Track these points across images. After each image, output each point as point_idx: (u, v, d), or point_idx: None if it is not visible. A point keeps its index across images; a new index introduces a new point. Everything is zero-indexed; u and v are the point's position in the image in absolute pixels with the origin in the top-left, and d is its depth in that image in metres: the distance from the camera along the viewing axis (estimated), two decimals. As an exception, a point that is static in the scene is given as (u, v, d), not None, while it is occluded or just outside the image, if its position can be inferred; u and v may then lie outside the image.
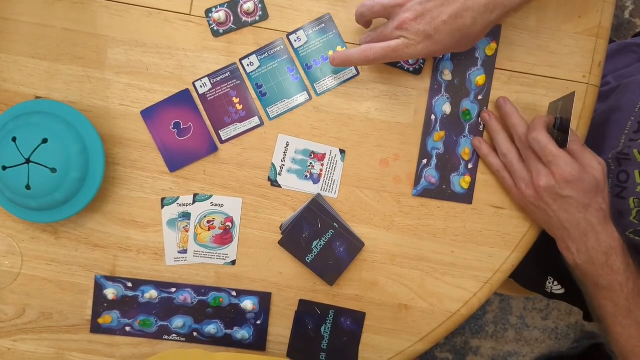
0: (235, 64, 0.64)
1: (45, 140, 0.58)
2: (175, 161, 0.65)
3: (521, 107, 0.64)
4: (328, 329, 0.66)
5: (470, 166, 0.65)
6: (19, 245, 0.66)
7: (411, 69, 0.65)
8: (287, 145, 0.65)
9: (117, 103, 0.64)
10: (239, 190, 0.65)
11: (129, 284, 0.66)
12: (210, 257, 0.66)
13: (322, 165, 0.65)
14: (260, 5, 0.64)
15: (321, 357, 0.67)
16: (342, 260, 0.64)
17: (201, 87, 0.64)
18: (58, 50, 0.64)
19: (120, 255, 0.66)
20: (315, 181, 0.65)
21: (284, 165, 0.65)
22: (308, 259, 0.64)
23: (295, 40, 0.64)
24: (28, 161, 0.57)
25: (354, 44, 0.65)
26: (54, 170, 0.58)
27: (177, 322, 0.66)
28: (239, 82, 0.65)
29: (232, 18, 0.64)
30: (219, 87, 0.64)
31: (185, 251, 0.65)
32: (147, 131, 0.64)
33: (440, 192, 0.65)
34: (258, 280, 0.66)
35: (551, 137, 0.58)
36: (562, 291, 0.81)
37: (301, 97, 0.65)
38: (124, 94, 0.64)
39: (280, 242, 0.64)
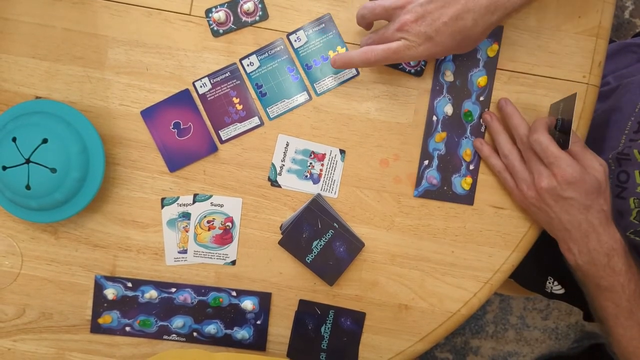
0: (235, 64, 0.64)
1: (45, 140, 0.58)
2: (175, 161, 0.65)
3: (521, 107, 0.64)
4: (328, 329, 0.66)
5: (471, 167, 0.65)
6: (19, 245, 0.66)
7: (412, 70, 0.65)
8: (287, 145, 0.65)
9: (117, 103, 0.64)
10: (239, 190, 0.65)
11: (129, 284, 0.66)
12: (210, 257, 0.66)
13: (322, 165, 0.65)
14: (260, 5, 0.64)
15: (321, 357, 0.67)
16: (342, 260, 0.64)
17: (201, 87, 0.64)
18: (58, 50, 0.64)
19: (120, 255, 0.66)
20: (315, 181, 0.65)
21: (283, 165, 0.65)
22: (308, 259, 0.64)
23: (295, 40, 0.64)
24: (28, 161, 0.57)
25: (354, 44, 0.65)
26: (54, 170, 0.58)
27: (177, 322, 0.66)
28: (239, 82, 0.65)
29: (232, 18, 0.64)
30: (219, 87, 0.64)
31: (185, 251, 0.65)
32: (147, 131, 0.64)
33: (442, 193, 0.65)
34: (258, 280, 0.66)
35: (552, 139, 0.58)
36: (562, 291, 0.81)
37: (301, 97, 0.65)
38: (124, 94, 0.64)
39: (280, 242, 0.64)
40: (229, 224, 0.65)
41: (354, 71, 0.65)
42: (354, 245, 0.64)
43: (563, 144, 0.58)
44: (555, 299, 0.83)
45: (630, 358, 0.61)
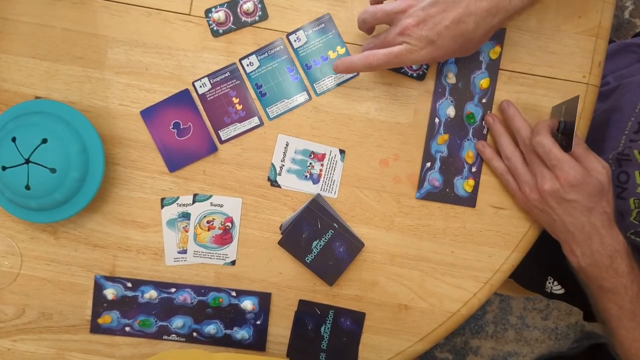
0: (234, 64, 0.64)
1: (44, 140, 0.58)
2: (175, 161, 0.65)
3: (521, 107, 0.64)
4: (328, 329, 0.66)
5: (473, 169, 0.65)
6: (19, 246, 0.66)
7: (415, 74, 0.65)
8: (287, 145, 0.65)
9: (116, 103, 0.64)
10: (239, 190, 0.65)
11: (129, 284, 0.66)
12: (210, 257, 0.65)
13: (322, 165, 0.65)
14: (259, 5, 0.64)
15: (321, 357, 0.67)
16: (342, 261, 0.64)
17: (201, 87, 0.64)
18: (58, 50, 0.64)
19: (119, 255, 0.66)
20: (315, 181, 0.65)
21: (283, 165, 0.65)
22: (308, 259, 0.64)
23: (295, 40, 0.64)
24: (28, 161, 0.57)
25: (353, 44, 0.65)
26: (53, 170, 0.58)
27: (177, 322, 0.66)
28: (238, 82, 0.65)
29: (231, 18, 0.64)
30: (219, 87, 0.64)
31: (185, 251, 0.65)
32: (147, 131, 0.64)
33: (444, 195, 0.65)
34: (258, 280, 0.66)
35: (555, 141, 0.58)
36: (562, 291, 0.81)
37: (301, 97, 0.65)
38: (123, 94, 0.64)
39: (280, 242, 0.64)
40: (229, 224, 0.65)
41: (353, 71, 0.65)
42: (354, 246, 0.64)
43: (566, 146, 0.58)
44: (555, 299, 0.83)
45: (633, 359, 0.61)
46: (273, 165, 0.65)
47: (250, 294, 0.66)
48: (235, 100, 0.65)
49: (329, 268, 0.64)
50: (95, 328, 0.66)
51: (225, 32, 0.64)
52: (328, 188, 0.65)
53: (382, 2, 0.60)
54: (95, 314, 0.66)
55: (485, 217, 0.65)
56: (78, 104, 0.64)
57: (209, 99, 0.65)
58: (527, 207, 0.63)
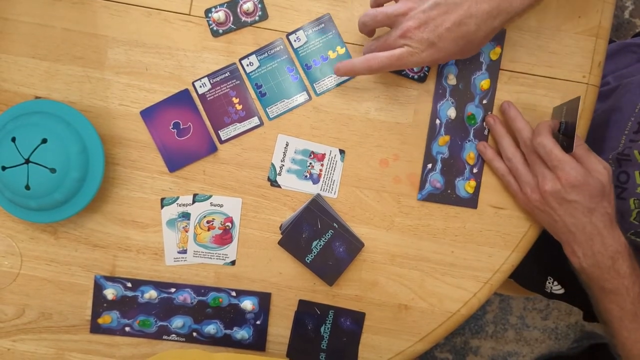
0: (234, 64, 0.64)
1: (44, 140, 0.58)
2: (175, 161, 0.65)
3: (521, 107, 0.64)
4: (328, 329, 0.66)
5: (475, 170, 0.65)
6: (19, 246, 0.66)
7: (416, 76, 0.65)
8: (287, 145, 0.65)
9: (116, 103, 0.64)
10: (239, 190, 0.65)
11: (129, 284, 0.66)
12: (210, 257, 0.65)
13: (322, 165, 0.65)
14: (259, 5, 0.64)
15: (321, 357, 0.67)
16: (342, 261, 0.64)
17: (201, 87, 0.64)
18: (58, 50, 0.64)
19: (119, 255, 0.66)
20: (315, 181, 0.65)
21: (283, 165, 0.65)
22: (308, 259, 0.64)
23: (295, 40, 0.64)
24: (27, 161, 0.57)
25: (353, 44, 0.65)
26: (53, 170, 0.58)
27: (177, 322, 0.66)
28: (238, 82, 0.65)
29: (231, 18, 0.64)
30: (219, 87, 0.64)
31: (184, 251, 0.65)
32: (147, 131, 0.64)
33: (445, 196, 0.65)
34: (258, 280, 0.66)
35: (556, 142, 0.58)
36: (561, 291, 0.81)
37: (301, 97, 0.65)
38: (123, 94, 0.64)
39: (280, 242, 0.64)
40: (229, 224, 0.65)
41: (353, 71, 0.65)
42: (354, 246, 0.64)
43: (567, 147, 0.58)
44: (555, 299, 0.83)
45: None
46: (273, 165, 0.65)
47: (250, 294, 0.66)
48: (235, 100, 0.65)
49: (329, 268, 0.64)
50: (95, 328, 0.66)
51: (225, 32, 0.64)
52: (328, 188, 0.65)
53: (382, 5, 0.60)
54: (95, 314, 0.66)
55: (485, 217, 0.65)
56: (78, 104, 0.64)
57: (208, 99, 0.65)
58: (528, 207, 0.63)
